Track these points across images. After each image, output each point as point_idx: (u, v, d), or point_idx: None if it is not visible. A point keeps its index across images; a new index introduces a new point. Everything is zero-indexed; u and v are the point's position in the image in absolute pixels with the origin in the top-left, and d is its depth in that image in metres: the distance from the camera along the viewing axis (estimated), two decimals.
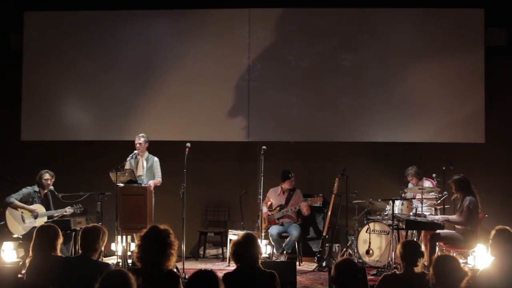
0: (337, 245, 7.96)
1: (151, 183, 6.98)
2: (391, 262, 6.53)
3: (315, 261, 7.52)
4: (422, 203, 6.83)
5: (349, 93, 8.30)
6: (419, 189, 6.90)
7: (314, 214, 8.00)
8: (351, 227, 7.72)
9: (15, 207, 6.78)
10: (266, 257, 7.39)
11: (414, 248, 4.01)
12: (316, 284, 6.41)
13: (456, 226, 6.42)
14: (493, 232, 4.43)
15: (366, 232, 7.27)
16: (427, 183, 7.22)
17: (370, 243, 7.20)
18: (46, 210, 6.97)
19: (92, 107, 8.59)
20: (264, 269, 3.90)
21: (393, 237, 6.69)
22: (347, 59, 8.32)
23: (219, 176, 8.54)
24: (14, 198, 6.80)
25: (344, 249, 7.67)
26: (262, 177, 6.91)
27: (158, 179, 7.20)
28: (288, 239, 7.38)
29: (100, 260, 4.44)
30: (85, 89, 8.58)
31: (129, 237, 6.83)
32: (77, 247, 6.38)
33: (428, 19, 8.22)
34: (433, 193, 7.07)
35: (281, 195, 7.71)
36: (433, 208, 7.29)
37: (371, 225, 7.27)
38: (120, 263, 6.60)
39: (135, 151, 7.15)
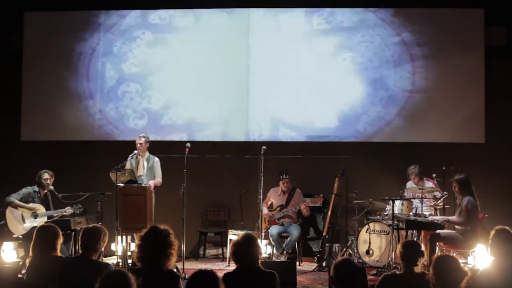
0: (337, 245, 7.95)
1: (151, 183, 6.98)
2: (391, 262, 6.53)
3: (315, 261, 7.51)
4: (422, 203, 6.83)
5: (349, 93, 8.30)
6: (419, 189, 6.89)
7: (314, 214, 8.00)
8: (351, 227, 7.71)
9: (15, 207, 6.78)
10: (266, 257, 7.38)
11: (414, 248, 4.01)
12: (316, 284, 6.41)
13: (456, 226, 6.42)
14: (492, 232, 4.43)
15: (366, 232, 7.26)
16: (428, 184, 7.21)
17: (370, 243, 7.20)
18: (46, 210, 6.97)
19: (92, 107, 8.59)
20: (264, 269, 3.90)
21: (393, 237, 6.69)
22: (347, 59, 8.33)
23: (219, 176, 8.53)
24: (14, 198, 6.80)
25: (344, 249, 7.66)
26: (262, 177, 6.91)
27: (159, 179, 7.21)
28: (288, 239, 7.38)
29: (100, 260, 4.44)
30: (85, 89, 8.58)
31: (129, 237, 6.83)
32: (77, 247, 6.38)
33: (428, 19, 8.22)
34: (436, 193, 7.05)
35: (281, 195, 7.71)
36: (433, 208, 7.29)
37: (371, 225, 7.27)
38: (120, 263, 6.60)
39: (135, 151, 7.16)
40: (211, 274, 3.08)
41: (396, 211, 6.90)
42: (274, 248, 7.40)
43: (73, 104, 8.61)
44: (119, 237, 6.56)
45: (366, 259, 7.20)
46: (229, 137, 8.45)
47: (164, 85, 8.50)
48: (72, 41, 8.58)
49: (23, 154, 8.51)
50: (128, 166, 7.12)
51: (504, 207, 7.62)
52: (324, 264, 7.21)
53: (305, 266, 7.46)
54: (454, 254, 5.95)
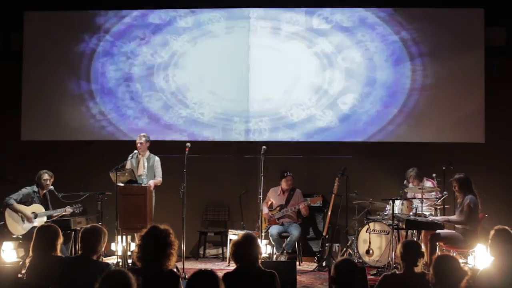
0: (337, 245, 7.95)
1: (151, 183, 6.98)
2: (391, 262, 6.53)
3: (315, 261, 7.51)
4: (422, 203, 6.83)
5: (349, 93, 8.31)
6: (419, 189, 6.89)
7: (314, 214, 8.01)
8: (351, 227, 7.71)
9: (14, 210, 6.77)
10: (266, 257, 7.38)
11: (414, 248, 4.01)
12: (316, 284, 6.41)
13: (456, 225, 6.41)
14: (492, 232, 4.43)
15: (366, 232, 7.26)
16: (428, 184, 7.21)
17: (370, 243, 7.20)
18: (45, 210, 6.97)
19: (92, 107, 8.59)
20: (264, 269, 3.90)
21: (393, 237, 6.69)
22: (347, 59, 8.33)
23: (219, 176, 8.53)
24: (13, 200, 6.78)
25: (344, 249, 7.66)
26: (262, 177, 6.91)
27: (159, 178, 7.21)
28: (288, 239, 7.38)
29: (100, 260, 4.44)
30: (85, 89, 8.58)
31: (129, 237, 6.83)
32: (77, 247, 6.38)
33: (429, 19, 8.22)
34: (433, 193, 7.06)
35: (281, 195, 7.71)
36: (433, 208, 7.29)
37: (371, 225, 7.27)
38: (120, 263, 6.60)
39: (135, 151, 7.16)
40: (211, 274, 3.08)
41: (396, 211, 6.89)
42: (274, 248, 7.40)
43: (73, 104, 8.61)
44: (119, 237, 6.56)
45: (366, 259, 7.20)
46: (229, 137, 8.45)
47: (164, 85, 8.50)
48: (72, 41, 8.58)
49: (23, 154, 8.50)
50: (128, 165, 7.12)
51: (504, 207, 7.62)
52: (324, 264, 7.21)
53: (305, 266, 7.46)
54: (454, 254, 5.94)
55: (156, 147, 7.55)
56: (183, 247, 6.42)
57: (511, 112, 8.18)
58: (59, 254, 4.56)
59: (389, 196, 6.98)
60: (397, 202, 7.03)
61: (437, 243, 6.31)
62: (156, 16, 8.56)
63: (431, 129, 8.16)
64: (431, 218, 6.52)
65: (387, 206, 7.23)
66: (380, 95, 8.26)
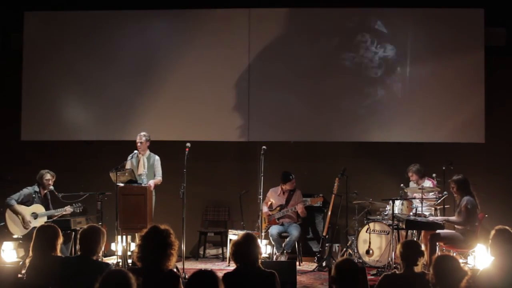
0: (337, 245, 7.95)
1: (151, 183, 6.99)
2: (391, 262, 6.53)
3: (315, 261, 7.51)
4: (422, 203, 6.83)
5: (349, 93, 8.31)
6: (419, 189, 6.90)
7: (314, 214, 8.01)
8: (351, 227, 7.72)
9: (14, 212, 6.77)
10: (266, 257, 7.38)
11: (414, 248, 4.01)
12: (316, 284, 6.41)
13: (455, 226, 6.42)
14: (493, 232, 4.43)
15: (366, 232, 7.26)
16: (427, 183, 7.21)
17: (370, 243, 7.20)
18: (46, 210, 6.97)
19: (92, 107, 8.60)
20: (264, 269, 3.90)
21: (393, 237, 6.69)
22: (347, 59, 8.33)
23: (219, 176, 8.54)
24: (14, 200, 6.77)
25: (344, 249, 7.67)
26: (262, 177, 6.91)
27: (159, 178, 7.22)
28: (288, 239, 7.38)
29: (99, 260, 4.43)
30: (85, 89, 8.59)
31: (129, 237, 6.83)
32: (77, 247, 6.37)
33: (428, 19, 8.22)
34: (433, 193, 7.06)
35: (281, 195, 7.71)
36: (433, 208, 7.29)
37: (371, 225, 7.27)
38: (120, 263, 6.60)
39: (135, 151, 7.16)
40: (210, 274, 3.08)
41: (396, 211, 6.90)
42: (274, 248, 7.40)
43: (73, 103, 8.61)
44: (119, 237, 6.56)
45: (366, 259, 7.20)
46: (229, 137, 8.45)
47: (164, 84, 8.49)
48: (72, 41, 8.57)
49: (23, 154, 8.51)
50: (128, 165, 7.13)
51: (504, 207, 7.62)
52: (324, 264, 7.21)
53: (305, 266, 7.46)
54: (454, 254, 5.94)
55: (156, 147, 7.54)
56: (183, 247, 6.42)
57: (511, 112, 8.19)
58: (59, 254, 4.56)
59: (389, 196, 6.99)
60: (397, 202, 7.04)
61: (437, 243, 6.31)
62: (156, 15, 8.55)
63: (431, 129, 8.16)
64: (431, 218, 6.52)
65: (387, 206, 7.23)
66: (380, 95, 8.26)
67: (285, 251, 7.36)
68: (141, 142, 7.23)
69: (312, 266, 7.38)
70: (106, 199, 7.01)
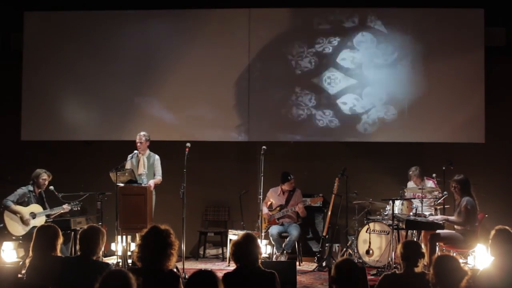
0: (337, 245, 7.95)
1: (151, 183, 6.99)
2: (391, 262, 6.53)
3: (315, 261, 7.51)
4: (422, 203, 6.83)
5: (349, 93, 8.31)
6: (419, 189, 6.89)
7: (314, 214, 8.01)
8: (351, 227, 7.72)
9: (12, 212, 6.77)
10: (266, 257, 7.38)
11: (414, 248, 4.01)
12: (316, 284, 6.41)
13: (455, 226, 6.42)
14: (492, 232, 4.43)
15: (366, 232, 7.26)
16: (429, 183, 7.21)
17: (370, 243, 7.20)
18: (43, 210, 6.96)
19: (92, 107, 8.60)
20: (264, 269, 3.90)
21: (393, 237, 6.69)
22: (347, 59, 8.33)
23: (219, 176, 8.53)
24: (10, 201, 6.77)
25: (344, 249, 7.66)
26: (262, 177, 6.91)
27: (158, 177, 7.23)
28: (288, 239, 7.38)
29: (99, 260, 4.43)
30: (85, 89, 8.59)
31: (129, 237, 6.83)
32: (77, 247, 6.37)
33: (428, 19, 8.22)
34: (436, 193, 7.06)
35: (281, 195, 7.71)
36: (433, 208, 7.29)
37: (371, 225, 7.27)
38: (120, 263, 6.60)
39: (135, 151, 7.16)
40: (210, 274, 3.08)
41: (396, 211, 6.90)
42: (274, 248, 7.40)
43: (73, 104, 8.61)
44: (119, 237, 6.55)
45: (366, 259, 7.20)
46: (229, 137, 8.45)
47: (164, 84, 8.50)
48: (72, 41, 8.57)
49: (23, 154, 8.51)
50: (128, 165, 7.13)
51: (504, 207, 7.62)
52: (324, 264, 7.21)
53: (305, 266, 7.46)
54: (454, 254, 5.94)
55: (156, 147, 7.54)
56: (183, 247, 6.41)
57: (511, 112, 8.18)
58: (59, 254, 4.56)
59: (389, 196, 6.99)
60: (397, 202, 7.04)
61: (437, 243, 6.31)
62: (156, 15, 8.55)
63: (431, 129, 8.16)
64: (431, 218, 6.52)
65: (387, 206, 7.23)
66: (380, 95, 8.26)
67: (285, 251, 7.36)
68: (141, 142, 7.24)
69: (312, 266, 7.38)
70: (106, 199, 7.00)
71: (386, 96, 8.26)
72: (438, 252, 6.18)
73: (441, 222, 6.28)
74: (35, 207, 6.92)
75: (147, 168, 7.24)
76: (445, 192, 6.84)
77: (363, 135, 8.29)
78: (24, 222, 6.79)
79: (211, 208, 8.53)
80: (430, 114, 8.17)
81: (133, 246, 6.67)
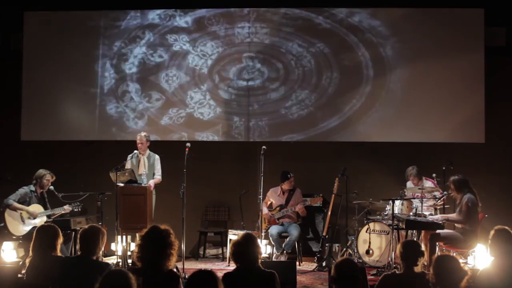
0: (337, 245, 7.95)
1: (151, 183, 7.00)
2: (391, 262, 6.52)
3: (315, 261, 7.51)
4: (422, 203, 6.83)
5: (349, 93, 8.31)
6: (419, 189, 6.89)
7: (314, 214, 8.01)
8: (351, 227, 7.71)
9: (14, 209, 6.77)
10: (266, 257, 7.38)
11: (414, 248, 4.01)
12: (316, 284, 6.41)
13: (456, 225, 6.41)
14: (492, 232, 4.42)
15: (366, 232, 7.26)
16: (428, 183, 7.21)
17: (370, 243, 7.20)
18: (44, 209, 6.96)
19: (92, 107, 8.60)
20: (264, 269, 3.90)
21: (393, 237, 6.69)
22: (347, 59, 8.33)
23: (219, 176, 8.53)
24: (12, 200, 6.78)
25: (344, 249, 7.66)
26: (262, 177, 6.91)
27: (158, 177, 7.23)
28: (288, 239, 7.38)
29: (99, 260, 4.43)
30: (85, 89, 8.59)
31: (129, 237, 6.83)
32: (77, 247, 6.37)
33: (428, 19, 8.23)
34: (436, 193, 7.05)
35: (281, 195, 7.71)
36: (433, 208, 7.29)
37: (371, 225, 7.26)
38: (120, 263, 6.60)
39: (135, 151, 7.17)
40: (210, 274, 3.08)
41: (396, 211, 6.89)
42: (274, 248, 7.40)
43: (73, 104, 8.62)
44: (119, 237, 6.56)
45: (366, 259, 7.20)
46: (229, 137, 8.46)
47: (164, 85, 8.50)
48: (72, 41, 8.58)
49: (23, 154, 8.50)
50: (128, 165, 7.13)
51: (504, 207, 7.62)
52: (324, 264, 7.20)
53: (305, 266, 7.46)
54: (454, 254, 5.94)
55: (156, 147, 7.55)
56: (183, 247, 6.42)
57: (511, 112, 8.18)
58: (59, 254, 4.56)
59: (389, 196, 6.98)
60: (397, 202, 7.03)
61: (437, 243, 6.30)
62: (156, 16, 8.56)
63: (431, 129, 8.16)
64: (431, 218, 6.51)
65: (387, 206, 7.23)
66: (380, 95, 8.26)
67: (285, 251, 7.36)
68: (141, 143, 7.25)
69: (312, 266, 7.38)
70: (106, 199, 7.00)
71: (386, 96, 8.26)
72: (438, 252, 6.18)
73: (441, 222, 6.28)
74: (36, 207, 6.92)
75: (147, 168, 7.24)
76: (445, 192, 6.84)
77: (363, 135, 8.29)
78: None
79: (211, 208, 8.53)
80: (430, 114, 8.17)
81: (133, 246, 6.68)
